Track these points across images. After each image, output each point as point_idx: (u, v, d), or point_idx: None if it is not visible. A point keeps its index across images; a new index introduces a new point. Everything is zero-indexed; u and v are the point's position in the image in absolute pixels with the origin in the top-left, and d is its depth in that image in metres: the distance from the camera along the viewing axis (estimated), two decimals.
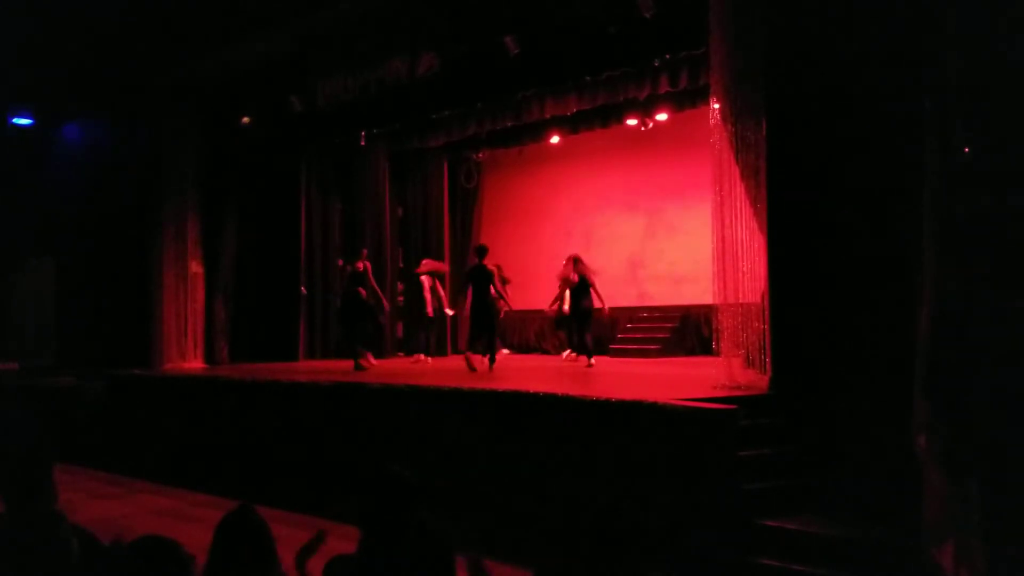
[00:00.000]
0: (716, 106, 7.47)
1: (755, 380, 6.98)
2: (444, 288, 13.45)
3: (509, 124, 12.69)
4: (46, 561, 3.03)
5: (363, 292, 11.57)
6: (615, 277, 13.73)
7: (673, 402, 6.32)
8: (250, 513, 2.83)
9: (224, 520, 2.81)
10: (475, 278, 10.74)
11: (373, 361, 11.71)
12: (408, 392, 8.38)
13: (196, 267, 13.92)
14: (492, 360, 10.55)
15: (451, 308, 13.37)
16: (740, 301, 7.21)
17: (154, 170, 13.85)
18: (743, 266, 7.18)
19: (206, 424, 10.44)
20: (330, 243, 14.64)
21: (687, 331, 12.49)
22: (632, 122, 12.52)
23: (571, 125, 13.02)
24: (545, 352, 14.19)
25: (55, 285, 16.62)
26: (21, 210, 16.40)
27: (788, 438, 6.36)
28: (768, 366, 6.89)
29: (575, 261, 11.20)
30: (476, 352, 10.76)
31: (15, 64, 14.19)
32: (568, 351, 12.15)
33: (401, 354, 14.05)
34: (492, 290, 10.92)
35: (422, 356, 12.79)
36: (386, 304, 12.86)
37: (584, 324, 11.05)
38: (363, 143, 14.02)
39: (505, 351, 13.77)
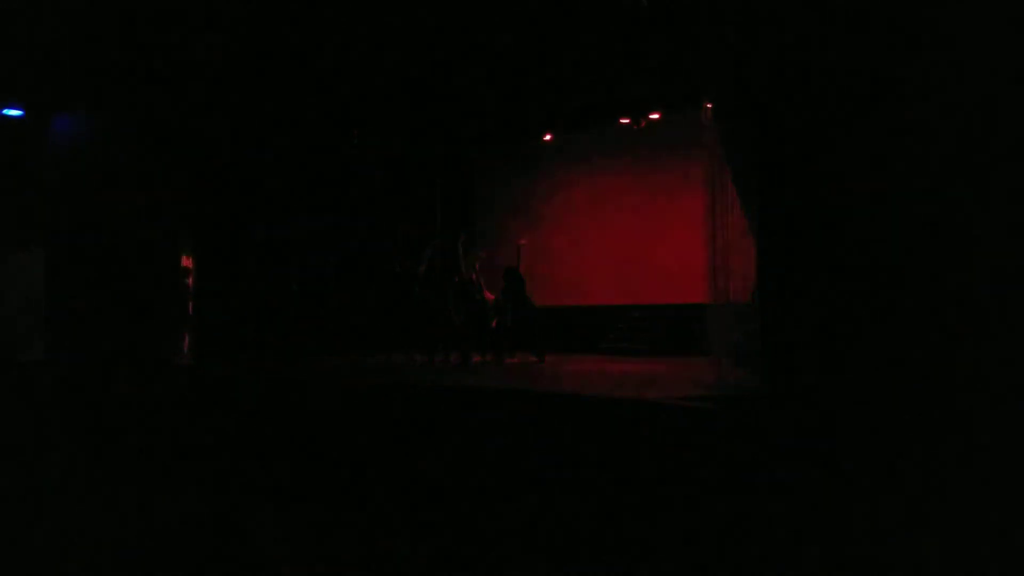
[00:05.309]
0: (708, 106, 7.50)
1: (744, 379, 7.00)
2: None
3: (502, 122, 12.70)
4: None
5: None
6: (606, 276, 13.76)
7: (662, 400, 6.33)
8: None
9: None
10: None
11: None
12: (401, 390, 8.38)
13: (188, 261, 13.90)
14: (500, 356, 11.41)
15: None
16: (731, 301, 7.24)
17: (146, 162, 13.81)
18: (734, 266, 7.21)
19: (195, 419, 10.40)
20: None
21: (678, 330, 12.52)
22: (625, 121, 12.55)
23: (564, 124, 13.03)
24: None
25: (45, 278, 16.53)
26: (11, 201, 16.31)
27: (776, 438, 6.37)
28: (757, 366, 6.92)
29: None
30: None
31: (5, 54, 14.11)
32: (482, 354, 11.82)
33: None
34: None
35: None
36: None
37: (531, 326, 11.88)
38: (355, 140, 14.00)
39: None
